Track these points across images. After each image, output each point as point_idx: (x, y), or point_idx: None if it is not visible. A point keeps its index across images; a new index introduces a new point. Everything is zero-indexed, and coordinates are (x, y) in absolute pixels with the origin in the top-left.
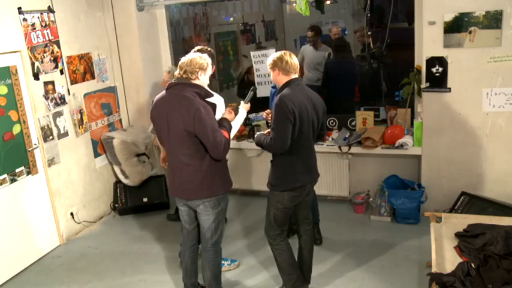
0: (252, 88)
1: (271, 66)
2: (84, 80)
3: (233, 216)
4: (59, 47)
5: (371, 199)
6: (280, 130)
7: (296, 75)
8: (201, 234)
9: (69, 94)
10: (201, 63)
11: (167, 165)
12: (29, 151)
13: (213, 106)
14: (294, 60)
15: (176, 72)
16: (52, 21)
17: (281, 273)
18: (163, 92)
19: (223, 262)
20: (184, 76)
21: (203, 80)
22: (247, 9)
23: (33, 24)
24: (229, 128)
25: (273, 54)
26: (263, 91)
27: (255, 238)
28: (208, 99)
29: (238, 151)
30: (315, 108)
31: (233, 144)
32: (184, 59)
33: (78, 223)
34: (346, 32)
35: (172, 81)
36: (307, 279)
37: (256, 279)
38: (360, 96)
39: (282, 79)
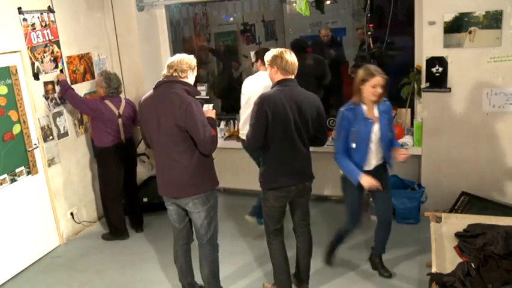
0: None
1: (270, 63)
2: (84, 80)
3: (232, 215)
4: (59, 47)
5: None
6: (254, 128)
7: (293, 76)
8: (196, 232)
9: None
10: (190, 63)
11: (156, 165)
12: (29, 151)
13: (202, 104)
14: (294, 59)
15: (165, 71)
16: (52, 21)
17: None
18: (151, 91)
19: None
20: (174, 74)
21: (191, 78)
22: (247, 9)
23: (33, 24)
24: (215, 125)
25: (272, 50)
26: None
27: (253, 237)
28: (197, 97)
29: (238, 151)
30: (300, 110)
31: (233, 144)
32: (173, 59)
33: (78, 223)
34: (345, 33)
35: (161, 79)
36: (304, 279)
37: (252, 276)
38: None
39: (278, 78)
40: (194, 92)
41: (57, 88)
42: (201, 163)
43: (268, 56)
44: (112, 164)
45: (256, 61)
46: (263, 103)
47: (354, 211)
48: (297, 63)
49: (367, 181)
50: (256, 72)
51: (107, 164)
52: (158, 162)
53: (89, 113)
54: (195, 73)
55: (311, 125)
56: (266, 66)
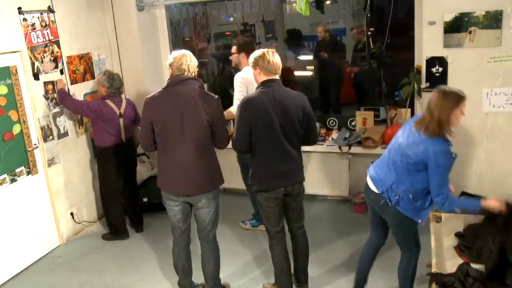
0: None
1: (253, 65)
2: (84, 80)
3: (231, 215)
4: (59, 47)
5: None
6: (237, 131)
7: (277, 76)
8: (201, 229)
9: (69, 94)
10: (196, 64)
11: (169, 165)
12: (29, 151)
13: None
14: (276, 59)
15: (177, 70)
16: (52, 21)
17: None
18: (161, 90)
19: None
20: (191, 71)
21: None
22: (247, 9)
23: (33, 24)
24: None
25: (255, 52)
26: None
27: (252, 237)
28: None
29: None
30: (284, 112)
31: None
32: (184, 58)
33: (78, 223)
34: (345, 33)
35: (173, 78)
36: (302, 280)
37: (251, 276)
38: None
39: (261, 79)
40: (203, 88)
41: (56, 89)
42: (214, 159)
43: (251, 58)
44: (112, 164)
45: (239, 53)
46: (245, 107)
47: (417, 237)
48: (280, 63)
49: (496, 203)
50: (237, 66)
51: (107, 163)
52: (173, 161)
53: (90, 116)
54: None
55: (298, 125)
56: (250, 67)
